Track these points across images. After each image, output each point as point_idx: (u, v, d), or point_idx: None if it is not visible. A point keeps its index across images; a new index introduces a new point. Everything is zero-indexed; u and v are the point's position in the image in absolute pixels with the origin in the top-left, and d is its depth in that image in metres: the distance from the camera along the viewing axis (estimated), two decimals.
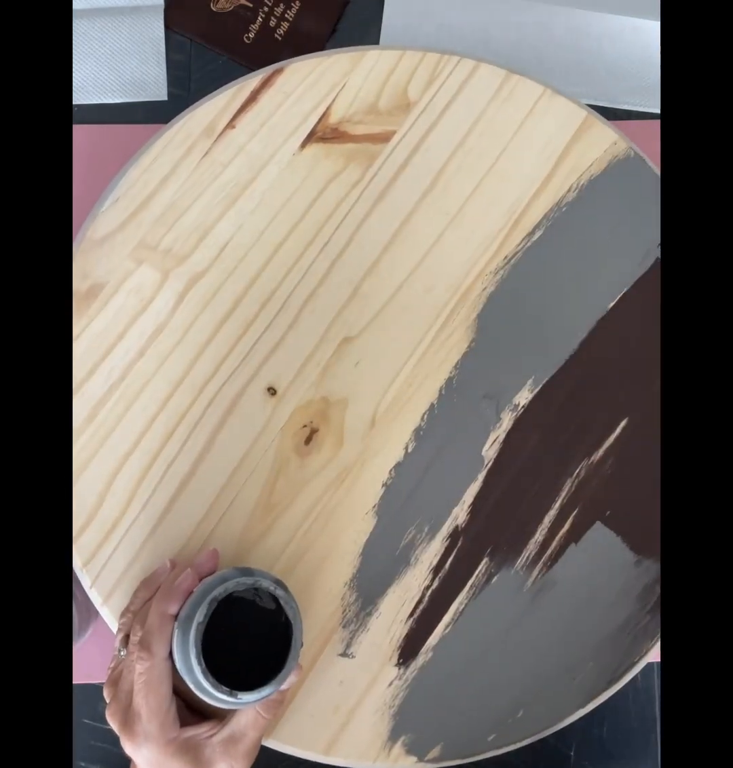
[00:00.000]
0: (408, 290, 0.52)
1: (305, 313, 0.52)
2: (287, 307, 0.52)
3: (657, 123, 0.61)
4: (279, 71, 0.54)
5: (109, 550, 0.50)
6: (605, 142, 0.53)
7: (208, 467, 0.50)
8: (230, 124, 0.54)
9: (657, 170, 0.54)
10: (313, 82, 0.54)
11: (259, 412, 0.51)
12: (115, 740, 0.51)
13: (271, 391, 0.51)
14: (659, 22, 0.59)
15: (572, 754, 0.56)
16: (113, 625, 0.49)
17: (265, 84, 0.54)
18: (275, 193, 0.53)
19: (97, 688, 0.55)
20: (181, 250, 0.52)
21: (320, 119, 0.54)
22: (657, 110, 0.61)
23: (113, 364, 0.51)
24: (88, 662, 0.55)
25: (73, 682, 0.54)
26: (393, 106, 0.54)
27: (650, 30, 0.61)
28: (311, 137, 0.54)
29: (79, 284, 0.51)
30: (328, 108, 0.54)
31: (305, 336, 0.51)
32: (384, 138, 0.54)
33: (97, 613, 0.50)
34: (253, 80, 0.54)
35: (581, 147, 0.53)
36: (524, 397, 0.51)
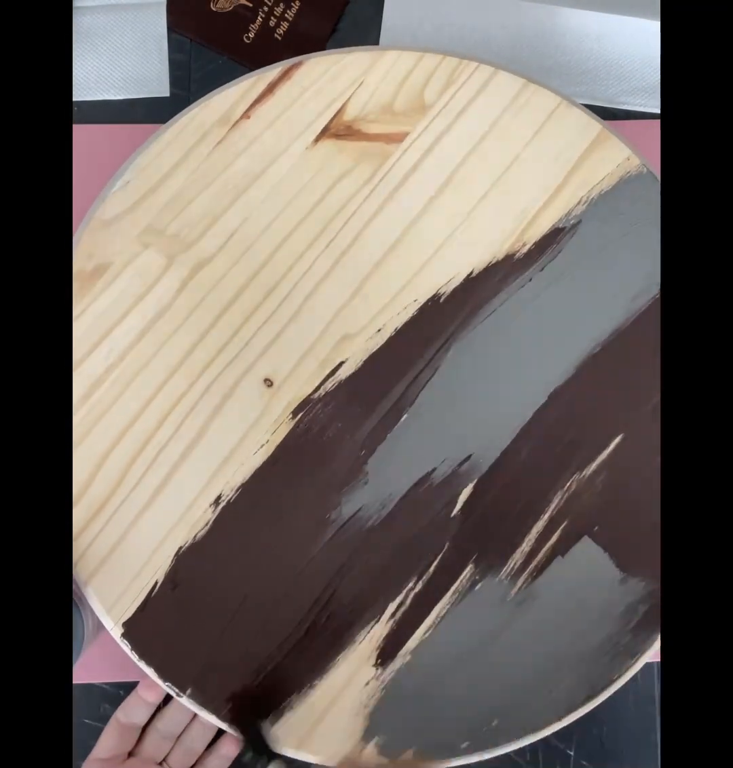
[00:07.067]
0: (410, 293, 0.52)
1: (306, 308, 0.52)
2: (289, 301, 0.52)
3: (657, 123, 0.60)
4: (298, 65, 0.54)
5: (96, 530, 0.50)
6: (618, 157, 0.53)
7: (200, 454, 0.50)
8: (245, 115, 0.54)
9: None
10: (331, 79, 0.54)
11: (255, 403, 0.51)
12: None
13: (268, 382, 0.51)
14: (659, 22, 0.58)
15: (572, 753, 0.56)
16: (95, 603, 0.49)
17: (283, 77, 0.54)
18: (285, 186, 0.53)
19: (97, 688, 0.55)
20: (188, 237, 0.52)
21: (335, 116, 0.54)
22: (657, 110, 0.61)
23: (113, 345, 0.51)
24: (89, 662, 0.55)
25: (74, 682, 0.55)
26: (409, 107, 0.54)
27: (650, 30, 0.60)
28: (325, 133, 0.54)
29: (84, 264, 0.52)
30: (343, 105, 0.54)
31: (305, 331, 0.52)
32: (397, 138, 0.54)
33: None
34: (271, 72, 0.54)
35: (593, 160, 0.53)
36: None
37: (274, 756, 0.48)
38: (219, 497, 0.50)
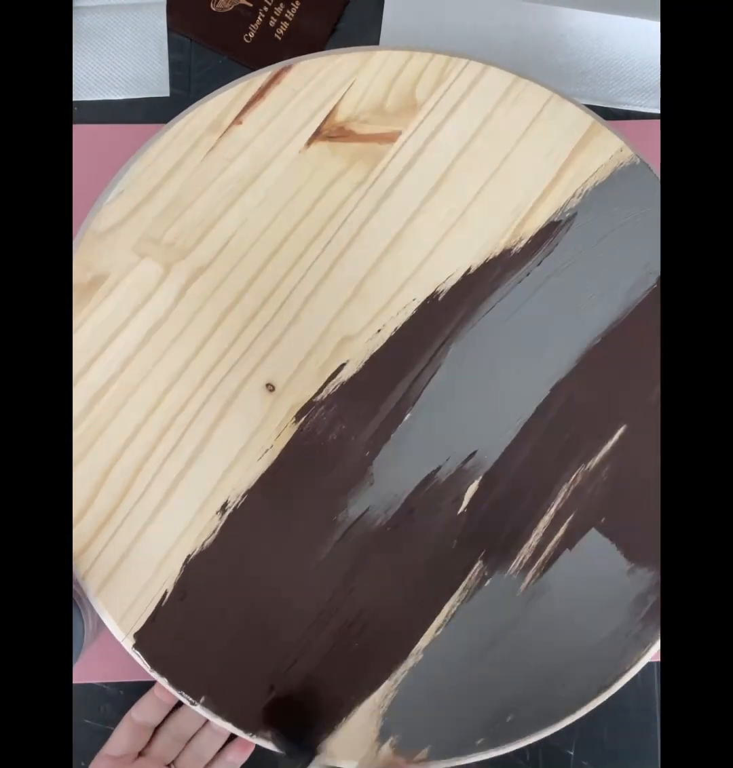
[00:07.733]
0: (408, 293, 0.52)
1: (306, 311, 0.52)
2: (288, 305, 0.52)
3: (657, 123, 0.61)
4: (287, 68, 0.54)
5: (103, 542, 0.50)
6: (611, 149, 0.53)
7: (204, 462, 0.50)
8: (237, 120, 0.54)
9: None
10: (321, 81, 0.54)
11: (258, 408, 0.51)
12: None
13: (270, 387, 0.51)
14: (659, 22, 0.59)
15: (572, 753, 0.56)
16: (106, 616, 0.49)
17: (273, 80, 0.54)
18: (280, 190, 0.53)
19: (97, 688, 0.55)
20: (184, 245, 0.52)
21: (327, 118, 0.54)
22: (657, 110, 0.61)
23: (113, 356, 0.51)
24: (88, 662, 0.55)
25: (74, 682, 0.54)
26: (400, 106, 0.54)
27: (650, 30, 0.61)
28: (317, 135, 0.54)
29: (81, 276, 0.51)
30: (335, 107, 0.54)
31: (305, 334, 0.51)
32: (390, 138, 0.54)
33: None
34: (261, 77, 0.54)
35: (586, 153, 0.53)
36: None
37: (312, 757, 0.48)
38: (225, 504, 0.50)
